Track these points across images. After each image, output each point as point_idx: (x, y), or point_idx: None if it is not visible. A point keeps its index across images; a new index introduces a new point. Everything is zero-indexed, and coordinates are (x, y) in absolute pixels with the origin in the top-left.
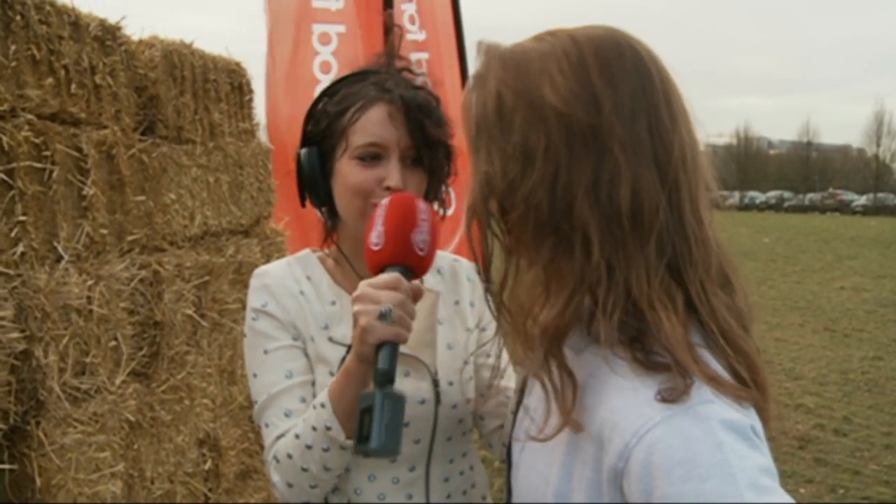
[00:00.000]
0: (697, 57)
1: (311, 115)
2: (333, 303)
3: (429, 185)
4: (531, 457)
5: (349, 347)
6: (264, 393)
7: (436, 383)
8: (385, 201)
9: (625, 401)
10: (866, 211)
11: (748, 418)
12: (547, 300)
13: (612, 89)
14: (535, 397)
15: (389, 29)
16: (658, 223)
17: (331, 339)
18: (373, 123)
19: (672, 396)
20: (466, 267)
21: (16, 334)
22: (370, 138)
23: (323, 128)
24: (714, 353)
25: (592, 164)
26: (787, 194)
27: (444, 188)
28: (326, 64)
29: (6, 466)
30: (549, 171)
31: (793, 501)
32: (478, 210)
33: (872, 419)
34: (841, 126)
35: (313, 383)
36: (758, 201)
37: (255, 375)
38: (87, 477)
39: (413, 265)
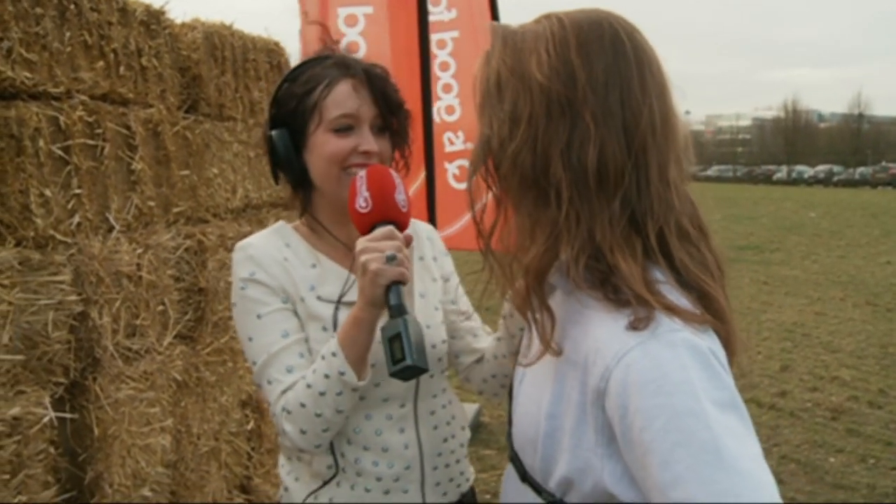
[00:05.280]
0: (747, 29)
1: (276, 100)
2: (314, 265)
3: (395, 145)
4: (527, 388)
5: (337, 303)
6: (264, 353)
7: None
8: (363, 172)
9: (605, 330)
10: None
11: (706, 342)
12: (532, 245)
13: (587, 65)
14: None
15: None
16: (623, 182)
17: (319, 298)
18: (343, 97)
19: (639, 325)
20: (425, 228)
21: (74, 297)
22: (343, 110)
23: (292, 108)
24: (676, 289)
25: (566, 129)
26: (836, 168)
27: (407, 148)
28: (354, 45)
29: (68, 415)
30: (530, 134)
31: (747, 416)
32: (477, 165)
33: None
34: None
35: (307, 341)
36: (806, 175)
37: (250, 339)
38: (139, 429)
39: (398, 220)
